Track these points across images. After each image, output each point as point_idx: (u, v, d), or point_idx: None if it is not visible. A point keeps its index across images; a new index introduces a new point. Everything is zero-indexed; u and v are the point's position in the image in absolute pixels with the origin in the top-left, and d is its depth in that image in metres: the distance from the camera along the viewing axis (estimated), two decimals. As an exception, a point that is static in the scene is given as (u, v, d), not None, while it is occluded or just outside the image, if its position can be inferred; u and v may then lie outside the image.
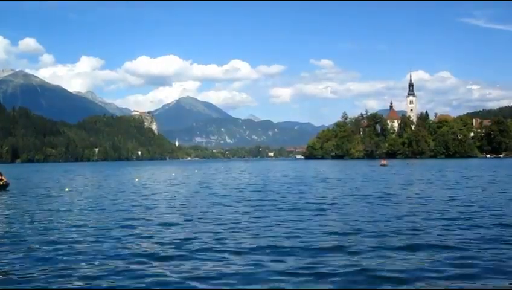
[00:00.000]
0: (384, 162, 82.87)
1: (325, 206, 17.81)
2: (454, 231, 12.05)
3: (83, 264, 8.89)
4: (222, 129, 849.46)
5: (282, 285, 7.48)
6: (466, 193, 23.02)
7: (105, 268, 8.54)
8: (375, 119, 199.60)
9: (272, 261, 8.88)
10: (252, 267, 8.41)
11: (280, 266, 8.47)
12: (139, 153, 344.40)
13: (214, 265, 8.68)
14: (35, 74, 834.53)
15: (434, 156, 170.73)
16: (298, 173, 53.57)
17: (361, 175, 46.17)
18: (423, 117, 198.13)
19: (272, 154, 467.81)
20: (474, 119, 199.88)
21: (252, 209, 17.30)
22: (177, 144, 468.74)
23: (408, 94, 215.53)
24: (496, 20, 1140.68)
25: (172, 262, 8.98)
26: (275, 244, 10.34)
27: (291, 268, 8.35)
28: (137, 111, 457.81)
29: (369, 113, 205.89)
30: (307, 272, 8.09)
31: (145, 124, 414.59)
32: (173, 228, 13.20)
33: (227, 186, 31.57)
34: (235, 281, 7.65)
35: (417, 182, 34.96)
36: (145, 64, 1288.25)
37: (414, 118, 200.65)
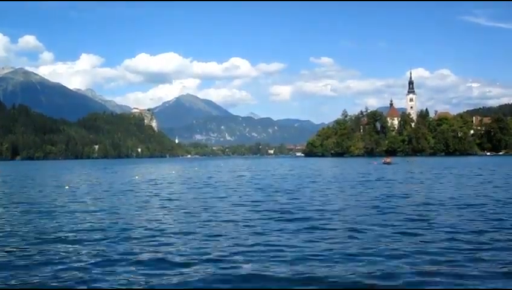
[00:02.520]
0: (388, 160, 78.90)
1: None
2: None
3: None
4: (222, 127, 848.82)
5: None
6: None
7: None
8: (375, 116, 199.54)
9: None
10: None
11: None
12: (139, 150, 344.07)
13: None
14: (35, 72, 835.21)
15: (434, 154, 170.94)
16: (306, 173, 53.23)
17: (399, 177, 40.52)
18: (423, 115, 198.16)
19: (271, 151, 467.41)
20: (474, 117, 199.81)
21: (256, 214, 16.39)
22: (177, 141, 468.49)
23: (408, 92, 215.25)
24: (497, 19, 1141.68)
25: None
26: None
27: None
28: (137, 108, 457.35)
29: (369, 111, 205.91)
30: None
31: (145, 121, 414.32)
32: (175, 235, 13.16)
33: (227, 187, 31.50)
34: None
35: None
36: (144, 61, 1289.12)
37: (414, 116, 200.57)
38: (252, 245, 10.27)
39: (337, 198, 20.86)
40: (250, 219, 14.26)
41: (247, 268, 8.42)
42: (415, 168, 59.92)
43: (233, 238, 11.17)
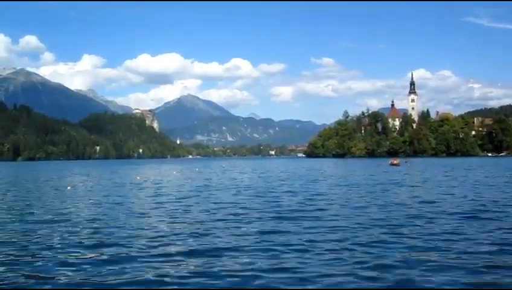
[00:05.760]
0: (395, 161, 74.65)
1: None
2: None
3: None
4: (223, 127, 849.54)
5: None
6: None
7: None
8: (376, 117, 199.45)
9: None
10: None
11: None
12: (140, 151, 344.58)
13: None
14: (36, 72, 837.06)
15: (435, 155, 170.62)
16: (314, 174, 52.96)
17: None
18: (424, 115, 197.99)
19: (273, 152, 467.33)
20: (475, 118, 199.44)
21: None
22: (178, 142, 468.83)
23: (409, 93, 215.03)
24: (498, 19, 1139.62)
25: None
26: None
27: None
28: (138, 109, 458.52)
29: (370, 112, 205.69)
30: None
31: (147, 122, 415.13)
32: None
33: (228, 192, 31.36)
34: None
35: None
36: (146, 62, 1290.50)
37: (415, 117, 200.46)
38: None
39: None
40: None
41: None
42: (434, 169, 56.24)
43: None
